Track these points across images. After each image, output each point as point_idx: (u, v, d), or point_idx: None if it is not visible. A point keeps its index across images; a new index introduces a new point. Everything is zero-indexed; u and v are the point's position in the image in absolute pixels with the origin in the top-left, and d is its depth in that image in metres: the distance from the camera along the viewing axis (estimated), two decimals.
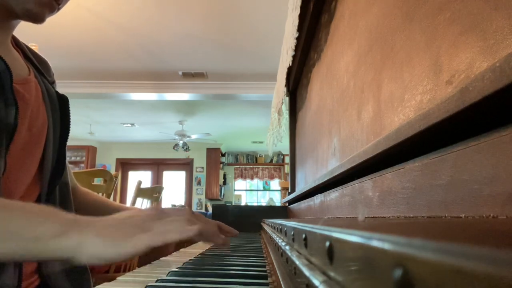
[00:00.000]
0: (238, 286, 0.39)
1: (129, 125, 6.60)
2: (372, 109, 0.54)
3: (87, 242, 0.43)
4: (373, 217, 0.42)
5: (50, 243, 0.42)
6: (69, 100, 0.77)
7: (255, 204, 8.51)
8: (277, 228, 0.59)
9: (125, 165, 8.25)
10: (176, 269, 0.49)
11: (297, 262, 0.26)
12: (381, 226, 0.18)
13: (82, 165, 7.67)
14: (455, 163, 0.25)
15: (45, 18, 0.64)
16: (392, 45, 0.47)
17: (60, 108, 0.74)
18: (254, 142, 7.82)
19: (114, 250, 0.43)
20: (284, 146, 2.24)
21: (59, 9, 0.66)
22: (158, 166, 8.32)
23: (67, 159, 0.77)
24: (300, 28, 1.07)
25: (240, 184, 8.95)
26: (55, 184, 0.69)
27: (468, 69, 0.30)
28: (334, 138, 0.81)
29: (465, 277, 0.07)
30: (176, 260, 0.72)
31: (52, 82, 0.79)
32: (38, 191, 0.67)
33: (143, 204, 2.45)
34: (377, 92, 0.52)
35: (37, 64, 0.74)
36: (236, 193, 8.86)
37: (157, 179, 8.23)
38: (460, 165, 0.25)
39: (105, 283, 0.43)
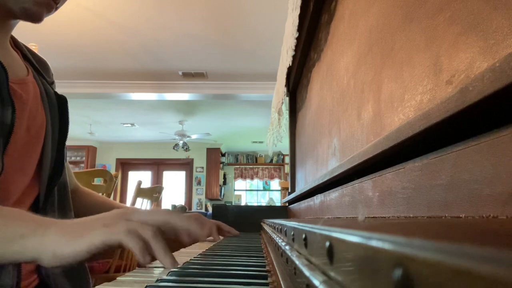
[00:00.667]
0: (238, 286, 0.39)
1: (129, 125, 6.60)
2: (372, 109, 0.54)
3: (48, 241, 0.43)
4: (373, 217, 0.42)
5: (16, 244, 0.43)
6: (69, 100, 0.77)
7: (255, 204, 8.51)
8: (277, 228, 0.59)
9: (125, 165, 8.25)
10: (176, 269, 0.50)
11: (297, 262, 0.26)
12: (381, 226, 0.18)
13: (82, 165, 7.67)
14: (455, 163, 0.25)
15: (43, 17, 0.64)
16: (392, 45, 0.47)
17: (59, 109, 0.73)
18: (254, 142, 7.82)
19: (71, 247, 0.43)
20: (284, 146, 2.24)
21: (57, 8, 0.66)
22: (158, 166, 8.32)
23: (67, 159, 0.77)
24: (300, 28, 1.07)
25: (240, 184, 8.95)
26: (53, 185, 0.69)
27: (468, 69, 0.30)
28: (334, 138, 0.81)
29: (465, 277, 0.07)
30: (176, 260, 0.71)
31: (51, 83, 0.79)
32: (37, 192, 0.67)
33: (143, 204, 2.45)
34: (377, 92, 0.52)
35: (36, 65, 0.74)
36: (236, 193, 8.86)
37: (157, 179, 8.23)
38: (460, 165, 0.25)
39: (105, 283, 0.43)
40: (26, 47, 0.76)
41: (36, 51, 0.80)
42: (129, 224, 0.46)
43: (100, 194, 2.05)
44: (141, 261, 0.45)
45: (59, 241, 0.43)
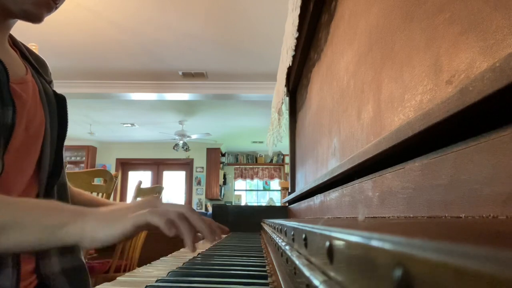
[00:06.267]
0: (238, 286, 0.39)
1: (129, 125, 6.59)
2: (372, 109, 0.54)
3: (87, 227, 0.50)
4: (373, 217, 0.42)
5: (59, 231, 0.50)
6: (69, 100, 0.77)
7: (255, 204, 8.51)
8: (277, 228, 0.59)
9: (125, 165, 8.25)
10: (176, 269, 0.50)
11: (297, 262, 0.26)
12: (381, 226, 0.18)
13: (82, 165, 7.66)
14: (455, 163, 0.25)
15: (43, 18, 0.64)
16: (392, 45, 0.47)
17: (57, 108, 0.73)
18: (254, 142, 7.82)
19: (107, 231, 0.50)
20: (284, 146, 2.24)
21: (56, 7, 0.66)
22: (158, 166, 8.31)
23: (65, 159, 0.77)
24: (300, 28, 1.07)
25: (240, 184, 8.94)
26: (53, 184, 0.69)
27: (468, 69, 0.30)
28: (334, 138, 0.81)
29: (465, 277, 0.07)
30: (176, 260, 0.72)
31: (50, 82, 0.78)
32: (36, 191, 0.67)
33: None
34: (377, 92, 0.52)
35: (35, 64, 0.74)
36: (236, 193, 8.85)
37: (157, 179, 8.22)
38: (460, 165, 0.25)
39: (105, 283, 0.43)
40: (24, 46, 0.76)
41: (36, 51, 0.79)
42: (154, 208, 0.53)
43: (100, 194, 2.04)
44: (167, 233, 0.51)
45: (97, 227, 0.50)
